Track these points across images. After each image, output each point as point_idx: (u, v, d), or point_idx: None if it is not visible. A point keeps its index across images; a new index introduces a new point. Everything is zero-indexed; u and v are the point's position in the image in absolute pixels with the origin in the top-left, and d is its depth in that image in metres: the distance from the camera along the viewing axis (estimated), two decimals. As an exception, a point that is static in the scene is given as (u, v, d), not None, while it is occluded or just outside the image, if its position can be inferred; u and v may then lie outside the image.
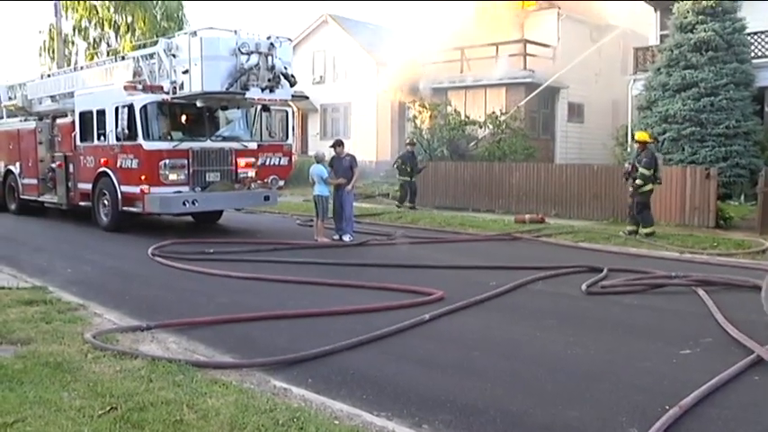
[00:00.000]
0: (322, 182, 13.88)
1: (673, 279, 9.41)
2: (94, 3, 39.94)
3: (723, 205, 16.29)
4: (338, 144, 14.47)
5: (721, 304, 7.89)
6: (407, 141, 21.79)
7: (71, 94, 16.90)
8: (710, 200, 15.34)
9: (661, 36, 23.93)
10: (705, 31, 20.18)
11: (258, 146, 15.61)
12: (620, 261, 11.44)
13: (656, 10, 24.90)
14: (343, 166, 14.11)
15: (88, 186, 15.87)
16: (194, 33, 13.94)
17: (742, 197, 18.60)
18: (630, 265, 10.78)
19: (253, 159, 15.39)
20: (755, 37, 21.43)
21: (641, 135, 14.73)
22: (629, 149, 21.87)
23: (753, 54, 21.15)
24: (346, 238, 13.85)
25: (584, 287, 9.02)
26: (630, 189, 14.16)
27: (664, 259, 11.86)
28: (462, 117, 25.46)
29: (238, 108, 15.32)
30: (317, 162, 14.15)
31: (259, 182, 15.30)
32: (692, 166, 17.43)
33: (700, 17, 20.53)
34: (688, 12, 20.83)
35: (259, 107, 15.06)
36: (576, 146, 28.45)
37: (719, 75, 19.93)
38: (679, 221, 15.49)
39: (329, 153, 14.82)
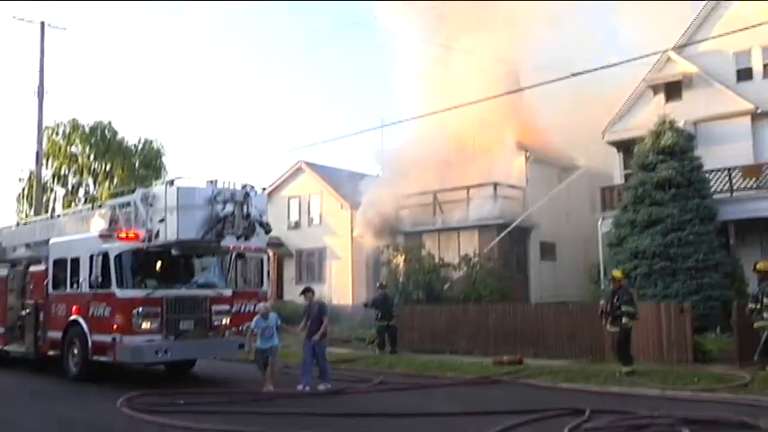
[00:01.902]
0: (264, 334, 13.32)
1: (656, 419, 9.24)
2: (74, 151, 40.84)
3: (700, 338, 16.32)
4: (307, 291, 14.22)
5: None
6: (378, 284, 21.72)
7: (46, 242, 16.85)
8: (687, 334, 15.44)
9: (625, 175, 24.86)
10: (666, 169, 21.02)
11: (233, 293, 15.52)
12: (602, 402, 11.24)
13: (618, 150, 26.04)
14: (313, 313, 13.77)
15: (58, 335, 15.47)
16: (171, 183, 14.19)
17: (718, 329, 18.64)
18: (613, 406, 10.60)
19: (227, 307, 15.24)
20: (712, 174, 22.33)
21: (616, 273, 15.00)
22: (602, 286, 22.09)
23: (712, 190, 21.95)
24: (322, 387, 13.43)
25: (566, 431, 8.79)
26: (613, 329, 14.20)
27: (646, 397, 11.72)
28: (436, 260, 25.72)
29: (213, 255, 15.32)
30: (262, 316, 13.47)
31: (233, 329, 15.07)
32: (666, 301, 17.61)
33: (660, 156, 21.43)
34: (648, 152, 21.75)
35: (234, 254, 15.11)
36: (550, 284, 28.65)
37: (684, 210, 20.55)
38: (657, 357, 15.44)
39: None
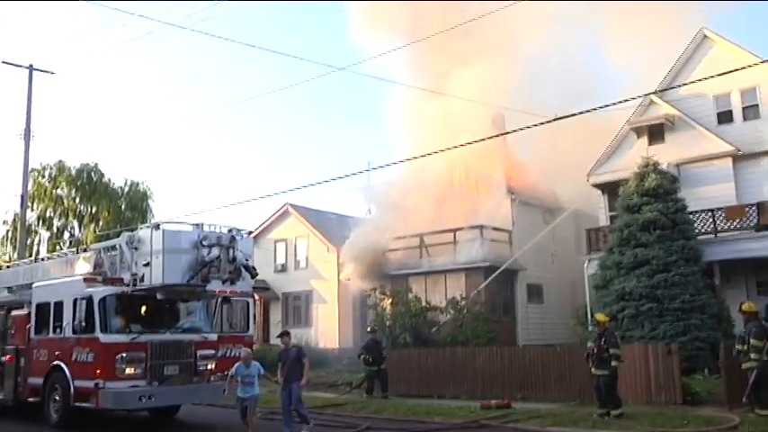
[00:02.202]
0: (244, 382, 12.73)
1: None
2: (60, 193, 40.68)
3: (688, 380, 16.26)
4: (285, 335, 13.80)
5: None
6: (369, 329, 21.53)
7: (29, 285, 16.69)
8: (675, 376, 15.39)
9: (611, 217, 25.02)
10: (651, 211, 21.15)
11: (218, 337, 15.40)
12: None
13: (603, 192, 26.25)
14: (290, 357, 13.29)
15: (39, 381, 15.21)
16: (157, 226, 14.17)
17: (706, 371, 18.59)
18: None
19: (212, 351, 15.08)
20: (696, 215, 22.54)
21: (600, 317, 14.99)
22: (590, 328, 22.06)
23: (696, 231, 22.12)
24: (305, 431, 13.14)
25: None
26: (600, 371, 14.12)
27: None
28: (423, 303, 25.63)
29: (199, 300, 15.19)
30: (244, 362, 12.85)
31: (219, 374, 14.89)
32: (653, 342, 17.58)
33: (644, 198, 21.60)
34: (633, 194, 21.94)
35: (220, 298, 15.02)
36: (537, 326, 28.56)
37: (669, 252, 20.63)
38: (646, 399, 15.35)
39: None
